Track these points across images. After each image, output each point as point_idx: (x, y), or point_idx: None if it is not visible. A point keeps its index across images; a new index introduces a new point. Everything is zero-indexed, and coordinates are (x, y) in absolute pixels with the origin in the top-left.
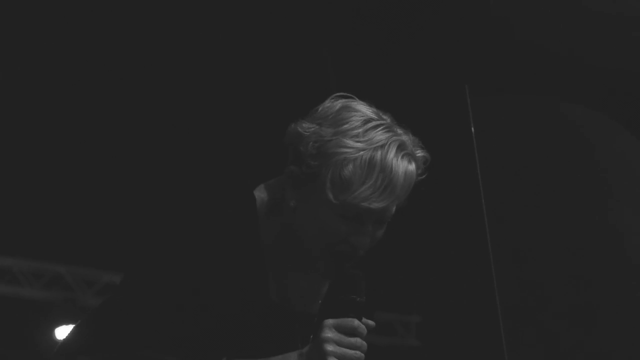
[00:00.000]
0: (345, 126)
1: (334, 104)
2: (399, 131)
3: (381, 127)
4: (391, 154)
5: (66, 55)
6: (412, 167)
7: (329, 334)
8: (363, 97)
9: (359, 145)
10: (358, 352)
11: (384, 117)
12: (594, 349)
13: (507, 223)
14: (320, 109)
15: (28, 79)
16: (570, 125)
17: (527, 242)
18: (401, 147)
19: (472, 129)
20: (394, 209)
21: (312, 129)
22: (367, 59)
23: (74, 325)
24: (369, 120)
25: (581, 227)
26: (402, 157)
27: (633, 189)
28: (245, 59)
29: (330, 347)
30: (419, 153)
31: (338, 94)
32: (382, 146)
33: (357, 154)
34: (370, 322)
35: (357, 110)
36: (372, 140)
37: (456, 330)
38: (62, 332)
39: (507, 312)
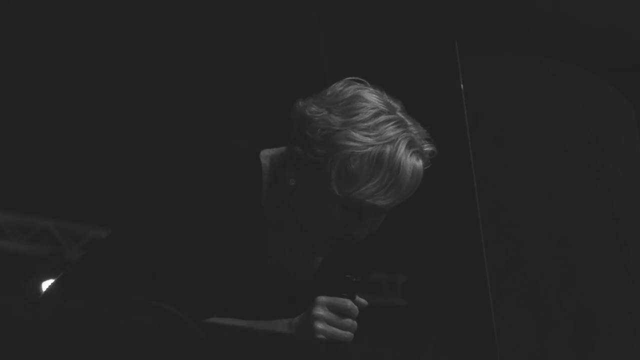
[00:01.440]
0: (355, 117)
1: (345, 90)
2: (409, 125)
3: (392, 123)
4: (400, 151)
5: (55, 14)
6: (419, 164)
7: (320, 311)
8: (352, 54)
9: (368, 140)
10: (348, 333)
11: (395, 105)
12: (577, 303)
13: (495, 182)
14: (329, 92)
15: (19, 35)
16: (559, 84)
17: (514, 200)
18: (410, 144)
19: (462, 86)
20: None
21: (321, 115)
22: (356, 15)
23: (59, 275)
24: (380, 113)
25: (568, 185)
26: (411, 155)
27: (619, 149)
28: (236, 21)
29: (320, 325)
30: (427, 147)
31: (350, 78)
32: (392, 142)
33: (365, 150)
34: (363, 301)
35: (368, 101)
36: (381, 136)
37: (442, 289)
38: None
39: (494, 272)
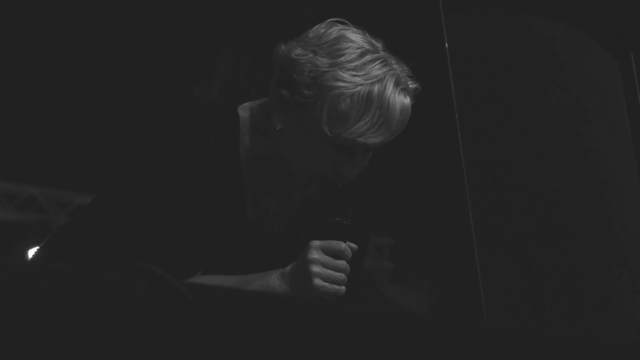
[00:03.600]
0: (342, 58)
1: (328, 32)
2: (394, 63)
3: (378, 61)
4: (388, 89)
5: None
6: (407, 101)
7: (315, 255)
8: (337, 11)
9: (356, 79)
10: (342, 275)
11: (377, 44)
12: (565, 266)
13: (480, 141)
14: (312, 34)
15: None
16: (544, 41)
17: (501, 160)
18: (397, 82)
19: (446, 44)
20: None
21: (307, 57)
22: None
23: (44, 241)
24: (366, 52)
25: (553, 143)
26: (399, 93)
27: (605, 107)
28: None
29: (316, 269)
30: (412, 84)
31: (332, 19)
32: (380, 81)
33: (354, 89)
34: (353, 245)
35: (353, 41)
36: (369, 75)
37: (429, 253)
38: None
39: (480, 231)
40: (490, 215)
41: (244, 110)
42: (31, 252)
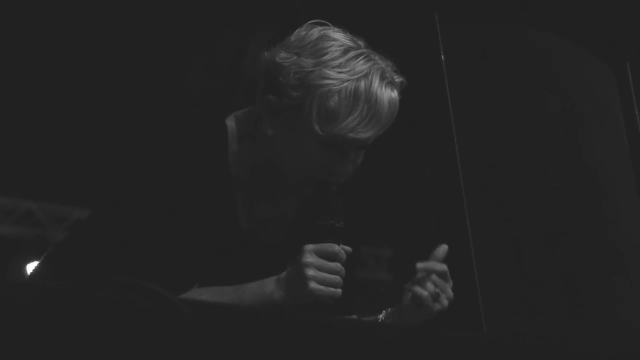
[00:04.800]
0: (326, 57)
1: (310, 33)
2: (377, 58)
3: (362, 57)
4: (375, 83)
5: None
6: (394, 94)
7: (309, 258)
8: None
9: (342, 76)
10: (338, 277)
11: (360, 42)
12: (562, 272)
13: (478, 152)
14: (294, 38)
15: None
16: (539, 53)
17: (498, 168)
18: (383, 76)
19: (442, 57)
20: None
21: (291, 60)
22: None
23: (43, 256)
24: (349, 49)
25: (551, 152)
26: (385, 86)
27: (602, 116)
28: None
29: (311, 272)
30: (397, 78)
31: (312, 21)
32: (365, 76)
33: (341, 85)
34: (347, 248)
35: (335, 39)
36: (354, 71)
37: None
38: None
39: (478, 237)
40: (488, 223)
41: (230, 120)
42: (30, 267)
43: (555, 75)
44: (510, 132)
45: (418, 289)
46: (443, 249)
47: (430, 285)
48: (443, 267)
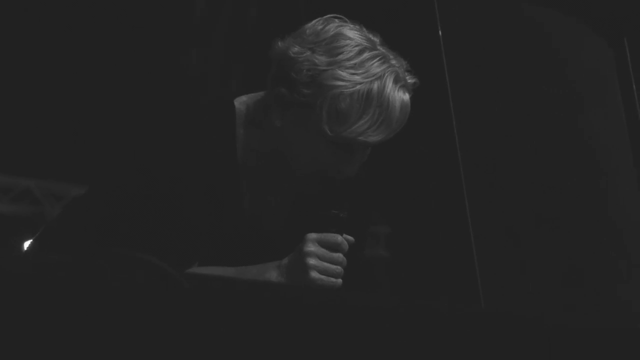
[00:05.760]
0: (341, 56)
1: (326, 29)
2: (392, 59)
3: (377, 59)
4: (388, 87)
5: None
6: (406, 97)
7: (312, 247)
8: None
9: (355, 78)
10: (339, 267)
11: (375, 39)
12: (562, 253)
13: (475, 129)
14: (309, 31)
15: None
16: (538, 28)
17: (497, 149)
18: (396, 79)
19: (440, 32)
20: None
21: (305, 55)
22: None
23: (38, 232)
24: (364, 49)
25: (549, 131)
26: (398, 90)
27: (599, 93)
28: None
29: (312, 261)
30: (410, 79)
31: (329, 15)
32: (379, 78)
33: (354, 88)
34: (350, 238)
35: (351, 39)
36: (368, 73)
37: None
38: None
39: (476, 219)
40: (487, 203)
41: (240, 104)
42: (26, 244)
43: (553, 51)
44: (509, 110)
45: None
46: None
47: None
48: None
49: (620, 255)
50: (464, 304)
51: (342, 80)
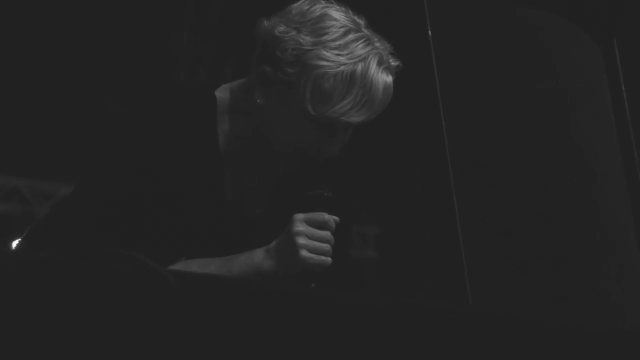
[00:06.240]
0: (325, 37)
1: (312, 9)
2: (376, 41)
3: (361, 40)
4: (371, 69)
5: None
6: (389, 79)
7: (300, 227)
8: None
9: (340, 59)
10: (328, 246)
11: (360, 21)
12: (551, 253)
13: (466, 130)
14: (295, 11)
15: None
16: (528, 28)
17: (486, 148)
18: (380, 61)
19: (429, 31)
20: None
21: (290, 35)
22: None
23: (26, 231)
24: (349, 31)
25: (539, 132)
26: (382, 72)
27: (589, 94)
28: None
29: (302, 240)
30: (394, 62)
31: None
32: (363, 60)
33: (337, 69)
34: (336, 218)
35: (336, 20)
36: (352, 54)
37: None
38: None
39: (466, 220)
40: (475, 203)
41: (222, 91)
42: (14, 244)
43: (543, 51)
44: (498, 109)
45: None
46: None
47: None
48: None
49: (609, 255)
50: (453, 303)
51: (327, 60)
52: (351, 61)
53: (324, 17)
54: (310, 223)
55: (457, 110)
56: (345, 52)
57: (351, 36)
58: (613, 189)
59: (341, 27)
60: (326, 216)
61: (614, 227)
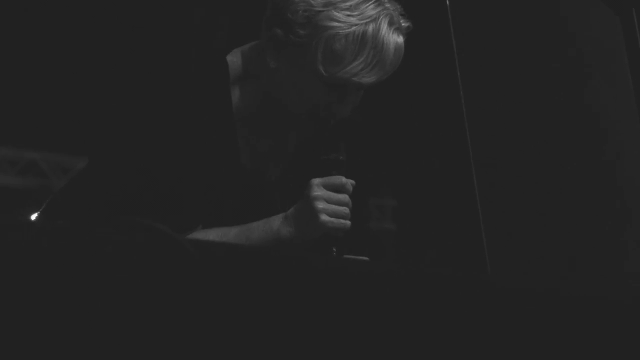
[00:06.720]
0: None
1: None
2: (387, 2)
3: (372, 1)
4: (383, 29)
5: None
6: (400, 40)
7: (318, 191)
8: None
9: (351, 19)
10: (346, 209)
11: None
12: (568, 222)
13: (483, 101)
14: None
15: None
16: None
17: (504, 124)
18: (391, 22)
19: (447, 1)
20: None
21: None
22: None
23: (44, 204)
24: None
25: (555, 101)
26: (393, 32)
27: (607, 64)
28: None
29: (320, 205)
30: (404, 23)
31: None
32: (374, 20)
33: (349, 29)
34: (352, 181)
35: None
36: (363, 15)
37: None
38: None
39: (485, 196)
40: (493, 172)
41: (234, 55)
42: (33, 217)
43: (561, 21)
44: (515, 78)
45: None
46: None
47: None
48: None
49: (626, 223)
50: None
51: (338, 21)
52: (362, 22)
53: None
54: (327, 187)
55: (475, 80)
56: (356, 13)
57: None
58: (630, 156)
59: None
60: (343, 179)
61: (632, 195)
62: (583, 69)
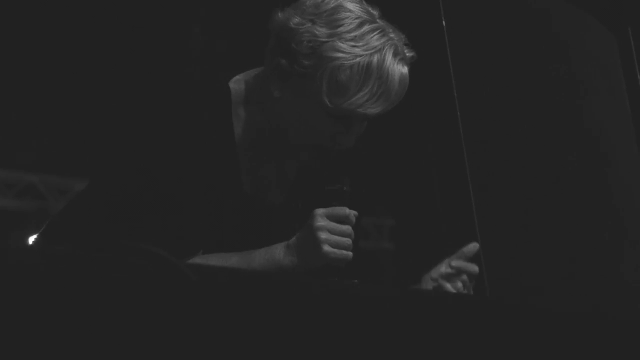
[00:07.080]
0: (341, 28)
1: (326, 1)
2: (391, 32)
3: (377, 32)
4: (387, 60)
5: None
6: (405, 70)
7: (321, 222)
8: None
9: (356, 50)
10: (349, 240)
11: (374, 12)
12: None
13: (479, 119)
14: (309, 2)
15: None
16: (542, 17)
17: (501, 139)
18: (396, 52)
19: (444, 22)
20: None
21: (306, 27)
22: None
23: (43, 226)
24: (364, 22)
25: (552, 119)
26: (397, 63)
27: (603, 82)
28: None
29: (324, 235)
30: (409, 53)
31: None
32: (378, 51)
33: (354, 60)
34: (354, 212)
35: (351, 11)
36: (368, 45)
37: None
38: None
39: (483, 217)
40: (492, 194)
41: (237, 83)
42: (31, 240)
43: (558, 40)
44: (513, 96)
45: (448, 286)
46: (474, 246)
47: (459, 284)
48: (475, 268)
49: (623, 240)
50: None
51: (343, 52)
52: (367, 52)
53: (338, 8)
54: (331, 218)
55: (471, 97)
56: (361, 44)
57: (366, 27)
58: (627, 174)
59: (356, 18)
60: (346, 210)
61: (629, 214)
62: (580, 86)
